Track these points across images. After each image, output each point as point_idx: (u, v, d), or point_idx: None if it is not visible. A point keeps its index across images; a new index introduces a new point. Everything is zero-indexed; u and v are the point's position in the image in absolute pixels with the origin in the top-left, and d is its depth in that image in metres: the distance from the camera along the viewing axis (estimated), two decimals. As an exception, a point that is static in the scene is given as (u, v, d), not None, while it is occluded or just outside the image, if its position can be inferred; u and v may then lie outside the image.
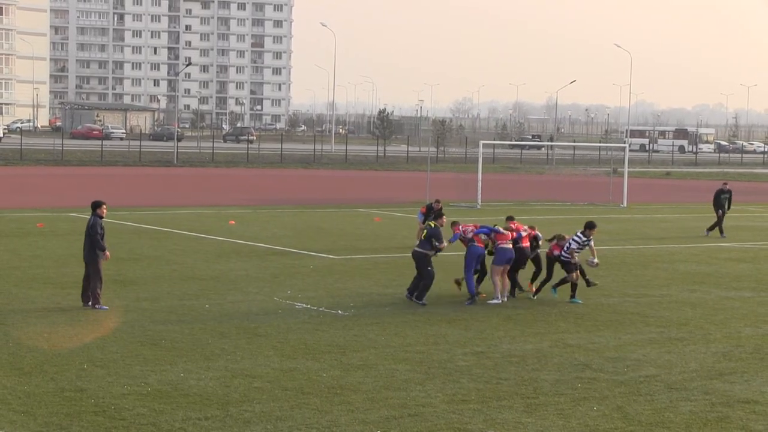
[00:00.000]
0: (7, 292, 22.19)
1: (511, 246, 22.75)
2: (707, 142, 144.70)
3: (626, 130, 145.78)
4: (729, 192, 38.63)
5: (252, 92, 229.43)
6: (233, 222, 37.99)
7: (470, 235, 23.05)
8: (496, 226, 23.20)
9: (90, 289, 20.61)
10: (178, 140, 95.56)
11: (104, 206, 21.07)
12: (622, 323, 20.68)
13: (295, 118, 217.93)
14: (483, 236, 22.96)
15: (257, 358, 16.77)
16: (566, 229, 27.42)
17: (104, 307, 20.44)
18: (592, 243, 23.15)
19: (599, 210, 48.91)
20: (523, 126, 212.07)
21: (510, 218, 24.06)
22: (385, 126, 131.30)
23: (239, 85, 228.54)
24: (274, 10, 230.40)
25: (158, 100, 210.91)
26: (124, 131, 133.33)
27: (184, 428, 13.00)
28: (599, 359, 17.38)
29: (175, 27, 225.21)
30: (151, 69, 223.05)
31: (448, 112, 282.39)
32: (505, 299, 22.73)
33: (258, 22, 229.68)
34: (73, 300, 21.15)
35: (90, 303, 20.56)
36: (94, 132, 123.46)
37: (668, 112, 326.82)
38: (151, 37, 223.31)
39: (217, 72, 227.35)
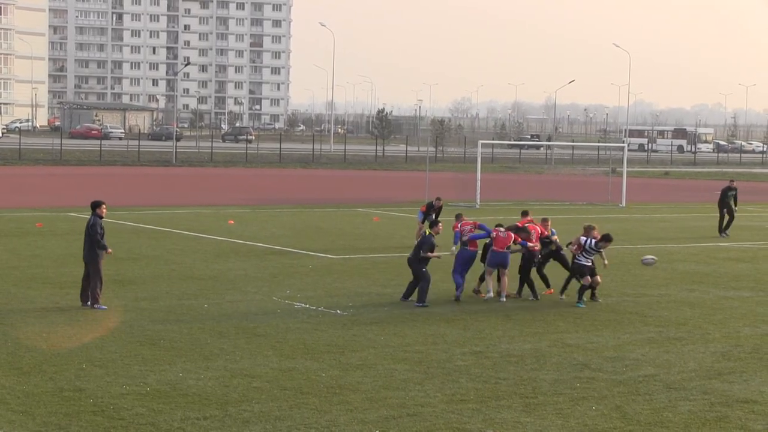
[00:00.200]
0: (6, 291, 22.19)
1: (504, 250, 22.72)
2: (706, 141, 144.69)
3: (625, 130, 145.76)
4: (735, 190, 38.63)
5: (251, 92, 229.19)
6: (232, 222, 37.97)
7: (466, 237, 23.10)
8: (498, 226, 23.25)
9: (89, 288, 20.61)
10: (177, 140, 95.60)
11: (104, 206, 21.07)
12: (620, 323, 20.69)
13: (294, 118, 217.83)
14: (482, 234, 23.18)
15: (256, 357, 16.76)
16: (566, 229, 27.40)
17: (103, 306, 20.44)
18: (603, 251, 23.05)
19: (598, 210, 48.88)
20: (521, 126, 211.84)
21: (525, 213, 24.73)
22: (384, 126, 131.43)
23: (238, 85, 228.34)
24: (273, 9, 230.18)
25: (157, 100, 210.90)
26: (122, 131, 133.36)
27: (182, 428, 13.00)
28: (598, 359, 17.39)
29: (173, 27, 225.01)
30: (150, 69, 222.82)
31: (447, 111, 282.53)
32: (504, 299, 22.73)
33: (257, 22, 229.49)
34: (72, 300, 21.15)
35: (89, 303, 20.56)
36: (93, 132, 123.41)
37: (667, 111, 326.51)
38: (150, 36, 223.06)
39: (216, 72, 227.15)
